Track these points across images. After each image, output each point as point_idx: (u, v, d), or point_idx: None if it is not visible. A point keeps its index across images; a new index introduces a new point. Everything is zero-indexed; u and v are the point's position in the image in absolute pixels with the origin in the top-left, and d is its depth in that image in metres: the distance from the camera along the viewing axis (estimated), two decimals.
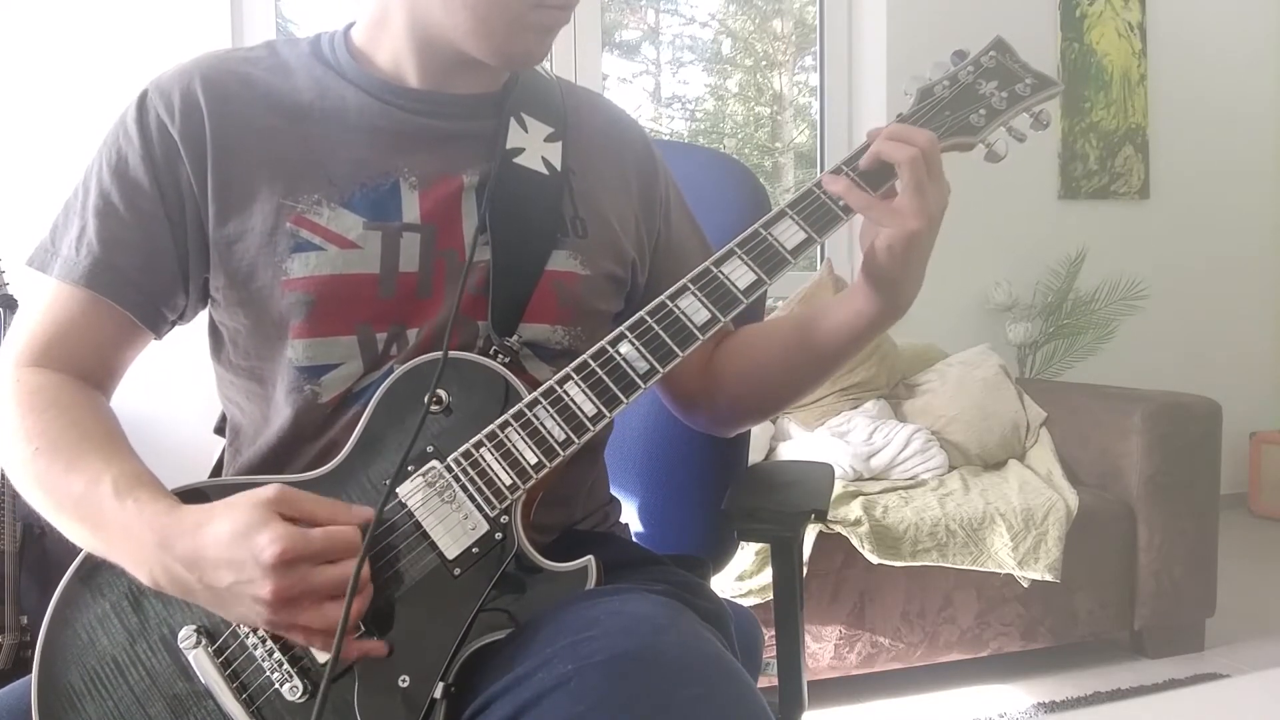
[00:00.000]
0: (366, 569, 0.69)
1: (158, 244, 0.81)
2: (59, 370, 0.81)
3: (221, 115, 0.82)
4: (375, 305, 0.81)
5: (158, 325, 0.85)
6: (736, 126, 3.58)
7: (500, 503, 0.75)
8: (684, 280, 0.81)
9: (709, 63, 3.51)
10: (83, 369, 0.82)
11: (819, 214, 0.83)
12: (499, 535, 0.74)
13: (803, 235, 0.82)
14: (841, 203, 0.83)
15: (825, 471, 1.07)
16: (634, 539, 1.06)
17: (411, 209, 0.83)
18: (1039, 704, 2.09)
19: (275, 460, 0.84)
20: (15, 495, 1.91)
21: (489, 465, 0.75)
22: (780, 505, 0.99)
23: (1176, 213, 3.53)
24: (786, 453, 2.42)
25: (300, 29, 2.73)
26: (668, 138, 3.32)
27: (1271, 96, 3.74)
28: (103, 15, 2.29)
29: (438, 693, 0.70)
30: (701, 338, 0.79)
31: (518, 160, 0.88)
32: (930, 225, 0.80)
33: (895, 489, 2.23)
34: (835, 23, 3.19)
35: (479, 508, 0.75)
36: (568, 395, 0.77)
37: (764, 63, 3.55)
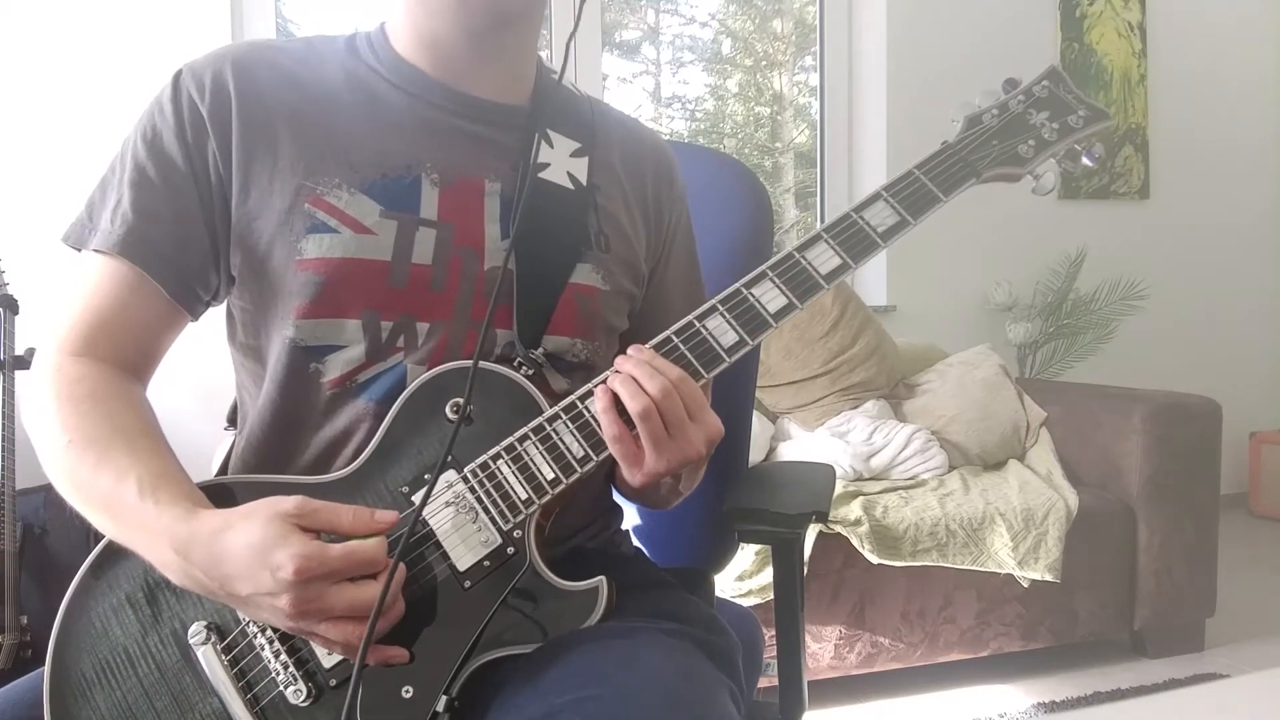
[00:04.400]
0: (400, 574, 0.69)
1: (189, 220, 0.82)
2: (100, 360, 0.81)
3: (249, 97, 0.82)
4: (384, 293, 0.81)
5: (191, 304, 0.85)
6: (736, 126, 3.58)
7: (515, 517, 0.74)
8: (714, 300, 0.80)
9: (709, 63, 3.51)
10: (122, 355, 0.82)
11: (855, 239, 0.82)
12: (511, 550, 0.74)
13: (838, 261, 0.81)
14: (880, 230, 0.82)
15: (826, 472, 1.07)
16: (635, 543, 1.06)
17: (430, 205, 0.83)
18: (1039, 704, 2.09)
19: (277, 445, 0.84)
20: (15, 495, 1.91)
21: (505, 478, 0.75)
22: (781, 506, 0.99)
23: (1176, 213, 3.53)
24: (787, 453, 2.42)
25: (300, 29, 2.73)
26: (668, 138, 3.31)
27: (1271, 97, 3.74)
28: (103, 15, 2.29)
29: (440, 706, 0.70)
30: (728, 360, 0.78)
31: (543, 175, 0.88)
32: (669, 473, 0.75)
33: (895, 489, 2.23)
34: (835, 23, 3.19)
35: (493, 521, 0.74)
36: (589, 411, 0.76)
37: (764, 63, 3.55)
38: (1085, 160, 0.90)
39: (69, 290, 0.83)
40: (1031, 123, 0.87)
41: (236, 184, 0.81)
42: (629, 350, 0.77)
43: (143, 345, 0.84)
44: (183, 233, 0.82)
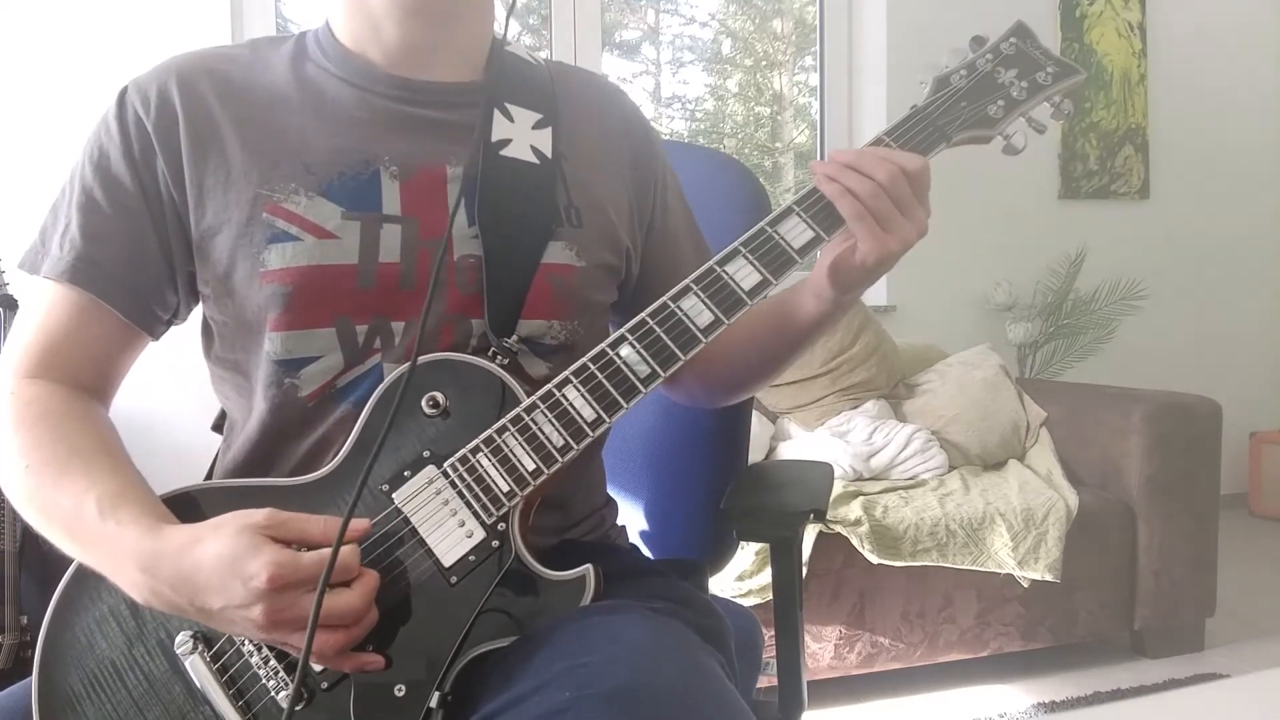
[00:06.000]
0: (366, 594, 0.68)
1: (141, 239, 0.81)
2: (55, 381, 0.80)
3: (195, 109, 0.81)
4: (354, 297, 0.79)
5: (150, 324, 0.83)
6: (736, 126, 3.58)
7: (498, 510, 0.74)
8: (687, 280, 0.79)
9: (709, 63, 3.51)
10: (78, 377, 0.81)
11: (828, 211, 0.79)
12: (496, 543, 0.73)
13: (811, 234, 0.79)
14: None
15: (824, 471, 1.07)
16: (633, 540, 1.06)
17: (392, 200, 0.81)
18: (1039, 704, 2.09)
19: (262, 456, 0.83)
20: None
21: (486, 471, 0.74)
22: (780, 505, 0.99)
23: (1176, 213, 3.53)
24: (787, 453, 2.42)
25: (300, 29, 2.73)
26: (668, 138, 3.31)
27: (1272, 96, 3.74)
28: (103, 16, 2.30)
29: (434, 702, 0.69)
30: (704, 340, 0.77)
31: (504, 152, 0.85)
32: (905, 248, 0.78)
33: (895, 489, 2.23)
34: (835, 23, 3.19)
35: (476, 515, 0.74)
36: (566, 400, 0.75)
37: (764, 63, 3.55)
38: (1053, 118, 0.87)
39: (24, 315, 0.82)
40: (1000, 81, 0.85)
41: (191, 200, 0.80)
42: (867, 148, 0.79)
43: (99, 367, 0.82)
44: (135, 253, 0.81)
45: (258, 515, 0.68)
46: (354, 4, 0.85)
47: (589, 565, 0.74)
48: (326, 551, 0.67)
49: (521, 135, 0.87)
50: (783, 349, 0.92)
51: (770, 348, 0.92)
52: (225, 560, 0.65)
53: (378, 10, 0.83)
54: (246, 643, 0.72)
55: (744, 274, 0.78)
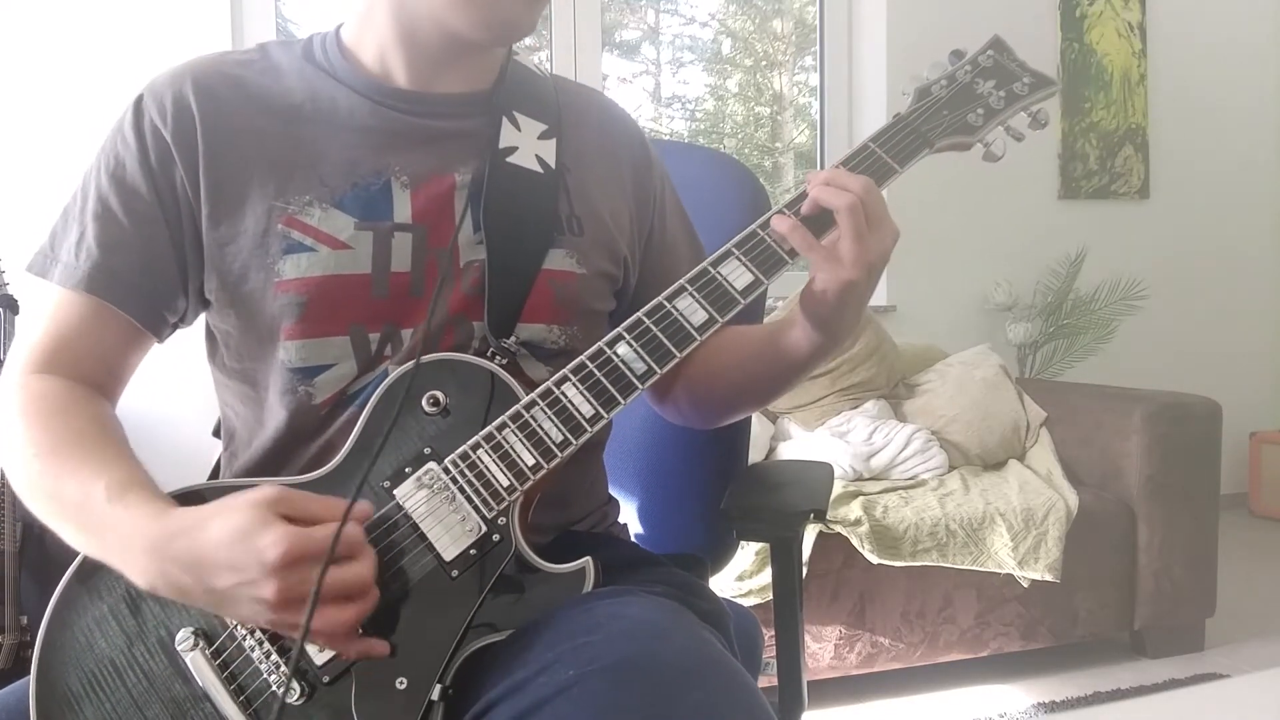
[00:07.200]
0: (372, 567, 0.69)
1: (156, 248, 0.81)
2: (64, 376, 0.81)
3: (212, 118, 0.82)
4: (368, 306, 0.81)
5: (159, 329, 0.85)
6: (736, 126, 3.58)
7: (498, 504, 0.74)
8: (681, 281, 0.81)
9: (709, 63, 3.51)
10: (87, 375, 0.82)
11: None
12: (496, 537, 0.74)
13: None
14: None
15: (824, 471, 1.07)
16: (633, 539, 1.06)
17: (403, 209, 0.83)
18: (1039, 704, 2.09)
19: (272, 462, 0.84)
20: (16, 495, 1.91)
21: (486, 467, 0.75)
22: (780, 505, 1.00)
23: (1176, 213, 3.53)
24: (787, 453, 2.42)
25: (300, 29, 2.73)
26: (668, 138, 3.32)
27: (1271, 96, 3.74)
28: (103, 16, 2.30)
29: (435, 695, 0.70)
30: (699, 339, 0.79)
31: (511, 159, 0.87)
32: (868, 274, 0.78)
33: (895, 489, 2.23)
34: (835, 23, 3.19)
35: (476, 509, 0.74)
36: (565, 397, 0.77)
37: (764, 63, 3.55)
38: (1030, 128, 0.91)
39: (33, 315, 0.83)
40: (979, 92, 0.89)
41: (206, 210, 0.81)
42: (816, 173, 0.80)
43: (108, 365, 0.83)
44: (150, 260, 0.81)
45: (267, 492, 0.68)
46: (389, 26, 0.84)
47: (588, 558, 0.75)
48: (334, 525, 0.67)
49: (527, 144, 0.89)
50: (774, 379, 0.93)
51: (762, 376, 0.93)
52: (237, 535, 0.66)
53: (429, 42, 0.84)
54: (248, 638, 0.73)
55: (736, 274, 0.81)
